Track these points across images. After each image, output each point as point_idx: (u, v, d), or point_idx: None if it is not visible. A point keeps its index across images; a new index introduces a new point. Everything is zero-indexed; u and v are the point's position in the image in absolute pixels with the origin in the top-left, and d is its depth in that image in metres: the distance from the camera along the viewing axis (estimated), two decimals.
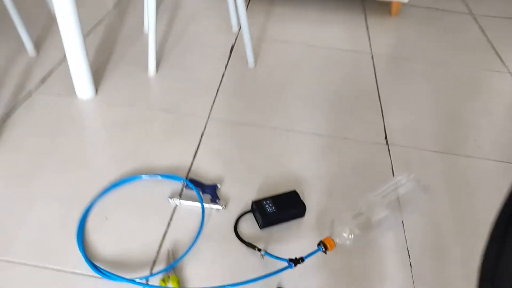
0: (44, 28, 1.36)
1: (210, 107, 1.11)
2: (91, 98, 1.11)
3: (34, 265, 0.72)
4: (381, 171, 0.98)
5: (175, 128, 1.04)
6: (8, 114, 1.03)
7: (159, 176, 0.89)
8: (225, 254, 0.77)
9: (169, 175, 0.89)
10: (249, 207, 0.85)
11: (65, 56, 1.05)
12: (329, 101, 1.18)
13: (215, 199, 0.86)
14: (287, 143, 1.03)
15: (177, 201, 0.84)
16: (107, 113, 1.08)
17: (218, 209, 0.84)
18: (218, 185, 0.89)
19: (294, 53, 1.38)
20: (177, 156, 0.96)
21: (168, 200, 0.85)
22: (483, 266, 0.38)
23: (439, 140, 1.09)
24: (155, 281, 0.71)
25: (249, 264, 0.75)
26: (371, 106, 1.18)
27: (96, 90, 1.13)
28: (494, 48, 1.52)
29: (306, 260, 0.73)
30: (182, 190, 0.88)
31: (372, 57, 1.39)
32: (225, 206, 0.85)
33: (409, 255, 0.80)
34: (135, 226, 0.80)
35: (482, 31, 1.62)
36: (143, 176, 0.88)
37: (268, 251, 0.76)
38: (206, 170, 0.93)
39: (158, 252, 0.76)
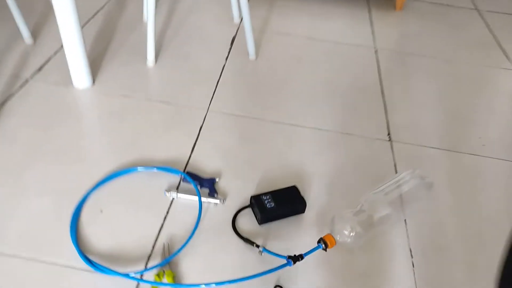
0: (42, 15, 1.33)
1: (210, 99, 1.09)
2: (88, 88, 1.08)
3: (26, 257, 0.70)
4: (383, 168, 0.96)
5: (173, 119, 1.02)
6: (2, 103, 1.00)
7: (155, 168, 0.86)
8: (222, 250, 0.75)
9: (166, 168, 0.87)
10: (248, 202, 0.83)
11: (62, 44, 1.02)
12: (331, 96, 1.16)
13: (213, 193, 0.83)
14: (287, 137, 1.01)
15: (174, 194, 0.82)
16: (104, 103, 1.05)
17: (216, 204, 0.82)
18: (217, 179, 0.87)
19: (296, 46, 1.35)
20: (175, 148, 0.93)
21: (165, 193, 0.82)
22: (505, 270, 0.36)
23: (443, 137, 1.06)
24: (149, 276, 0.69)
25: (247, 260, 0.73)
26: (374, 102, 1.16)
27: (93, 79, 1.10)
28: (500, 45, 1.49)
29: (306, 258, 0.71)
30: (179, 183, 0.86)
31: (376, 51, 1.37)
32: (223, 200, 0.83)
33: (411, 255, 0.78)
34: (130, 220, 0.78)
35: (488, 27, 1.59)
36: (139, 168, 0.86)
37: (267, 248, 0.74)
38: (205, 163, 0.91)
39: (153, 247, 0.74)
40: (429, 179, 0.89)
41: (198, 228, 0.77)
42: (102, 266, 0.69)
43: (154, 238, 0.75)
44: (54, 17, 0.96)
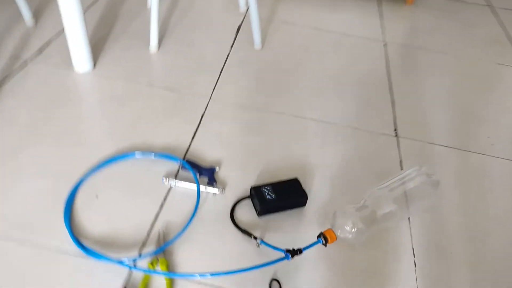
0: None
1: (213, 87, 1.06)
2: (89, 71, 1.06)
3: (18, 239, 0.68)
4: (389, 164, 0.93)
5: (175, 106, 1.00)
6: (1, 83, 0.98)
7: (152, 154, 0.84)
8: (219, 240, 0.73)
9: (165, 155, 0.85)
10: (248, 193, 0.80)
11: (64, 27, 1.00)
12: (338, 88, 1.13)
13: (212, 182, 0.81)
14: (291, 128, 0.98)
15: (172, 182, 0.80)
16: (105, 87, 1.03)
17: (214, 193, 0.80)
18: (216, 168, 0.84)
19: (303, 36, 1.32)
20: (175, 135, 0.91)
21: (163, 181, 0.80)
22: None
23: (451, 135, 1.03)
24: (143, 263, 0.67)
25: (243, 252, 0.71)
26: (382, 96, 1.13)
27: (95, 63, 1.08)
28: None
29: (304, 252, 0.69)
30: (178, 171, 0.83)
31: (385, 45, 1.33)
32: (222, 190, 0.80)
33: (414, 254, 0.76)
34: (126, 206, 0.76)
35: (501, 24, 1.55)
36: (137, 154, 0.84)
37: (265, 240, 0.71)
38: (205, 152, 0.88)
39: (148, 234, 0.72)
40: (436, 177, 0.86)
41: (195, 217, 0.75)
42: (94, 251, 0.67)
43: (149, 225, 0.73)
44: None
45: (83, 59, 1.05)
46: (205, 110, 0.99)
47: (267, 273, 0.68)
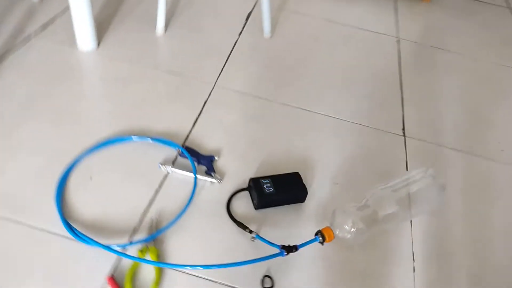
0: None
1: (218, 73, 1.03)
2: (92, 50, 1.03)
3: (5, 217, 0.67)
4: (394, 164, 0.90)
5: (177, 91, 0.97)
6: (2, 57, 0.96)
7: (149, 139, 0.82)
8: (213, 232, 0.71)
9: (163, 140, 0.82)
10: (246, 185, 0.78)
11: (69, 3, 0.97)
12: (347, 83, 1.09)
13: (210, 171, 0.79)
14: (296, 121, 0.95)
15: (169, 168, 0.78)
16: (108, 67, 1.00)
17: (212, 183, 0.78)
18: (216, 157, 0.82)
19: (314, 27, 1.28)
20: (176, 121, 0.89)
21: (160, 167, 0.78)
22: None
23: (460, 138, 1.00)
24: (133, 251, 0.65)
25: (237, 245, 0.69)
26: (391, 93, 1.09)
27: (99, 43, 1.05)
28: None
29: (300, 249, 0.66)
30: (176, 158, 0.81)
31: (398, 41, 1.29)
32: (220, 180, 0.78)
33: (413, 258, 0.73)
34: (120, 190, 0.74)
35: None
36: (134, 137, 0.82)
37: (260, 234, 0.69)
38: (205, 139, 0.86)
39: (141, 220, 0.70)
40: (442, 180, 0.82)
41: (190, 206, 0.73)
42: (83, 235, 0.65)
43: (142, 212, 0.71)
44: None
45: (88, 38, 1.02)
46: (208, 96, 0.97)
47: (260, 269, 0.66)
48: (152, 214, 0.71)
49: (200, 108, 0.93)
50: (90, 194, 0.73)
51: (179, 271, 0.64)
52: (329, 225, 0.69)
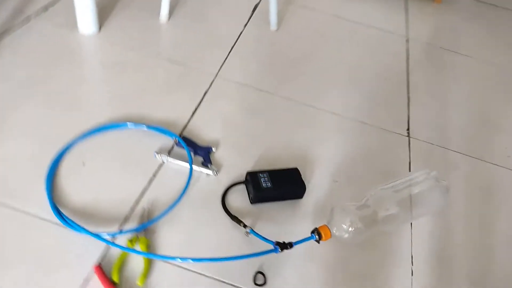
0: None
1: (221, 64, 1.01)
2: (93, 34, 1.01)
3: None
4: (397, 164, 0.87)
5: (178, 80, 0.94)
6: (0, 36, 0.94)
7: (145, 126, 0.79)
8: (206, 225, 0.68)
9: (159, 128, 0.80)
10: (243, 178, 0.75)
11: None
12: (352, 80, 1.07)
13: (207, 163, 0.76)
14: (298, 116, 0.93)
15: (164, 157, 0.75)
16: (108, 52, 0.98)
17: (208, 174, 0.75)
18: (213, 149, 0.80)
19: (321, 22, 1.25)
20: (175, 110, 0.86)
21: (155, 155, 0.76)
22: None
23: (466, 141, 0.97)
24: (122, 240, 0.63)
25: (231, 240, 0.67)
26: (398, 93, 1.06)
27: (100, 27, 1.03)
28: None
29: (295, 247, 0.64)
30: (172, 147, 0.79)
31: (407, 41, 1.26)
32: (216, 172, 0.76)
33: (412, 261, 0.71)
34: (113, 177, 0.72)
35: None
36: (129, 124, 0.79)
37: (255, 230, 0.67)
38: (203, 130, 0.84)
39: (132, 209, 0.68)
40: (445, 183, 0.80)
41: (184, 197, 0.70)
42: (72, 221, 0.63)
43: (134, 200, 0.69)
44: None
45: (89, 21, 1.00)
46: (209, 87, 0.94)
47: (253, 265, 0.64)
48: (144, 203, 0.69)
49: (200, 98, 0.91)
50: (81, 180, 0.70)
51: (169, 263, 0.62)
52: (326, 223, 0.67)
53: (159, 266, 0.61)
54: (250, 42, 1.11)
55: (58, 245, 0.61)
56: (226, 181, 0.75)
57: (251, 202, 0.73)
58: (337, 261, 0.68)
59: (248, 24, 1.17)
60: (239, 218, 0.68)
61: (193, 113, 0.87)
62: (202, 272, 0.62)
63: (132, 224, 0.65)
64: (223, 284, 0.62)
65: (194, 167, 0.75)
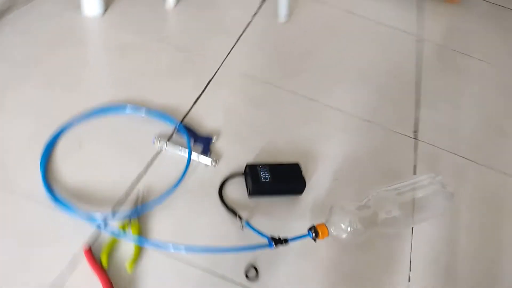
0: None
1: (227, 54, 0.99)
2: (98, 16, 0.99)
3: None
4: (401, 166, 0.85)
5: (182, 67, 0.92)
6: (3, 13, 0.92)
7: (144, 110, 0.77)
8: (201, 215, 0.66)
9: (159, 113, 0.78)
10: (242, 170, 0.73)
11: None
12: (360, 77, 1.04)
13: (206, 152, 0.75)
14: (302, 111, 0.90)
15: (163, 144, 0.74)
16: (112, 35, 0.96)
17: (206, 164, 0.73)
18: (214, 138, 0.78)
19: (332, 17, 1.23)
20: (177, 97, 0.84)
21: (154, 141, 0.74)
22: None
23: (475, 147, 0.94)
24: (114, 224, 0.61)
25: (225, 231, 0.65)
26: (406, 94, 1.03)
27: (105, 9, 1.01)
28: None
29: (291, 243, 0.62)
30: (172, 134, 0.77)
31: (419, 41, 1.23)
32: (215, 162, 0.74)
33: (410, 268, 0.68)
34: (109, 160, 0.70)
35: None
36: (128, 107, 0.77)
37: (251, 223, 0.65)
38: (205, 119, 0.81)
39: (127, 194, 0.66)
40: (450, 189, 0.77)
41: (180, 185, 0.68)
42: (64, 202, 0.61)
43: (129, 185, 0.67)
44: None
45: (94, 2, 0.98)
46: (213, 75, 0.92)
47: (246, 258, 0.62)
48: (139, 188, 0.67)
49: (204, 87, 0.89)
50: (77, 161, 0.69)
51: (160, 252, 0.60)
52: (324, 222, 0.65)
53: (150, 254, 0.60)
54: (258, 33, 1.08)
55: (49, 226, 0.60)
56: (225, 172, 0.73)
57: (248, 195, 0.71)
58: (332, 261, 0.66)
59: (256, 14, 1.14)
60: (235, 210, 0.66)
61: (196, 101, 0.85)
62: (194, 261, 0.60)
63: (125, 209, 0.64)
64: (214, 275, 0.60)
65: (193, 155, 0.73)
